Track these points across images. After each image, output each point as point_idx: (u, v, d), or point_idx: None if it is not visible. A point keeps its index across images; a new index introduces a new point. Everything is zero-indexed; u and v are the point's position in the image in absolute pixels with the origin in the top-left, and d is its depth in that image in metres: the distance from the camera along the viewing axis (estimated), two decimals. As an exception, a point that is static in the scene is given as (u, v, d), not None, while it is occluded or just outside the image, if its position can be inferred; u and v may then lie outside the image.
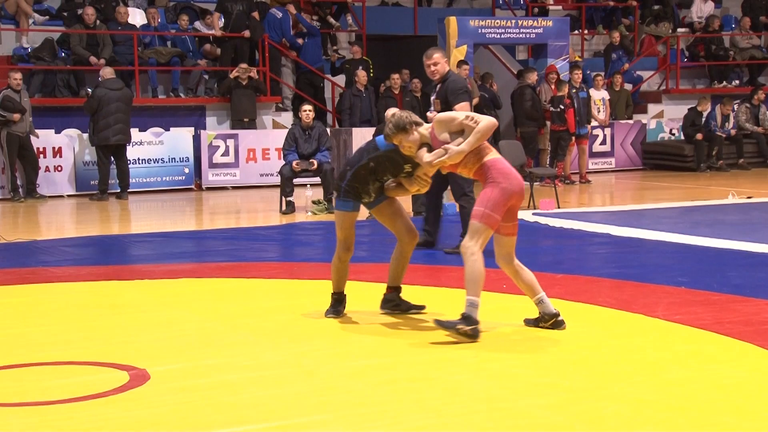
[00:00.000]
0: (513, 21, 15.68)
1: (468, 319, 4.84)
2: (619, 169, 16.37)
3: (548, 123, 14.37)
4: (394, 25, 17.68)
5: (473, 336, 4.83)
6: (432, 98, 7.59)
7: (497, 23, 15.41)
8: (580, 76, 14.64)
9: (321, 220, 10.50)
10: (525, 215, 10.10)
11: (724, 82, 17.82)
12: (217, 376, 4.43)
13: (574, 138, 14.33)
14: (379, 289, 6.46)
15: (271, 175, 13.86)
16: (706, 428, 3.60)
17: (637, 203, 11.68)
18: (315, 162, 11.24)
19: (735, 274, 6.61)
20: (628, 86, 17.20)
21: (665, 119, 17.12)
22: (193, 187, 14.11)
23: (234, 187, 14.23)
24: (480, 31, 14.97)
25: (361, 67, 15.15)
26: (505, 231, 5.05)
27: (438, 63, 7.18)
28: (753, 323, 5.12)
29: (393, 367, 4.54)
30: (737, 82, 17.96)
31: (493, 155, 5.09)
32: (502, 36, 15.27)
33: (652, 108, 17.34)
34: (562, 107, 14.05)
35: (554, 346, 4.85)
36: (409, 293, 5.71)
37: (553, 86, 14.60)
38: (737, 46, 18.06)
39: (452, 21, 14.77)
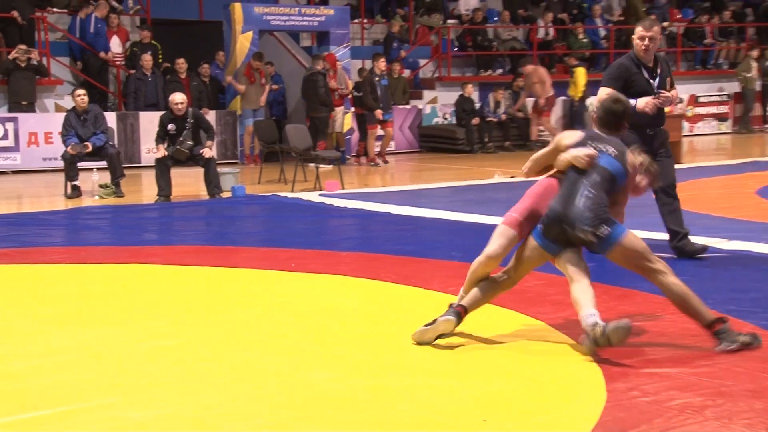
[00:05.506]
0: (296, 9, 15.95)
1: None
2: (398, 151, 16.95)
3: (352, 107, 15.13)
4: (180, 11, 17.50)
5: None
6: (655, 82, 6.38)
7: (281, 10, 15.65)
8: (384, 63, 15.11)
9: (108, 204, 10.35)
10: (312, 196, 10.41)
11: (489, 71, 18.97)
12: (-2, 365, 4.28)
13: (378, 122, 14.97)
14: (177, 272, 6.46)
15: (55, 159, 13.36)
16: (474, 380, 4.01)
17: (415, 184, 12.15)
18: (89, 145, 11.08)
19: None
20: (407, 72, 17.94)
21: (439, 105, 17.96)
22: (-33, 172, 13.46)
23: (15, 172, 13.69)
24: (264, 18, 15.13)
25: (149, 52, 14.95)
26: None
27: (655, 39, 6.22)
28: (516, 292, 5.55)
29: (182, 348, 4.56)
30: (501, 70, 19.16)
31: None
32: (286, 23, 15.50)
33: (427, 94, 18.18)
34: (361, 92, 14.69)
35: (339, 321, 5.06)
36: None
37: (331, 73, 15.07)
38: (500, 37, 19.34)
39: (237, 7, 14.84)
